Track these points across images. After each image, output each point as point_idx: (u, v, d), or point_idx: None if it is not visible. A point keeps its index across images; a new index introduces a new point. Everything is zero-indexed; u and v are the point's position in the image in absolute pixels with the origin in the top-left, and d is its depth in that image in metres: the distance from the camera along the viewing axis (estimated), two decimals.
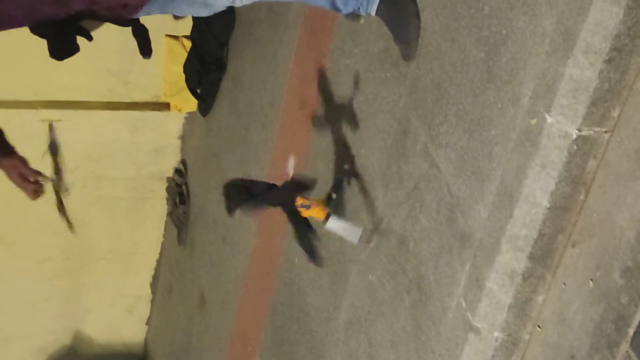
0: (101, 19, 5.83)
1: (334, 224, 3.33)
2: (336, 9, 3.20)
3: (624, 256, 2.34)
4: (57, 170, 3.43)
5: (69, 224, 3.51)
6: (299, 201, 3.34)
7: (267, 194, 3.48)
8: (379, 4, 3.18)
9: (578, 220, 2.54)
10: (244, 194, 3.52)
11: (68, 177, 3.47)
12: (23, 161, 3.34)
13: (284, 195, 3.45)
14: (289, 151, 4.52)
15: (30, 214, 6.86)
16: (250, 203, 3.50)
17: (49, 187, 3.42)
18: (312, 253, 3.50)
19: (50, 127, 3.51)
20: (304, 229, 3.43)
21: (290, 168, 3.84)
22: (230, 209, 3.65)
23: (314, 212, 3.33)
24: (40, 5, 2.96)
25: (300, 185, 3.47)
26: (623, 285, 2.34)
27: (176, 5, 3.20)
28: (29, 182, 3.34)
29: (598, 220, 2.47)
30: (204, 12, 3.30)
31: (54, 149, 3.43)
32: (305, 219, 3.39)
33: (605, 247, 2.42)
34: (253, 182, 3.72)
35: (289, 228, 3.58)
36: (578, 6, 2.29)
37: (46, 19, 3.08)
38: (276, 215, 4.60)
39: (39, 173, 3.38)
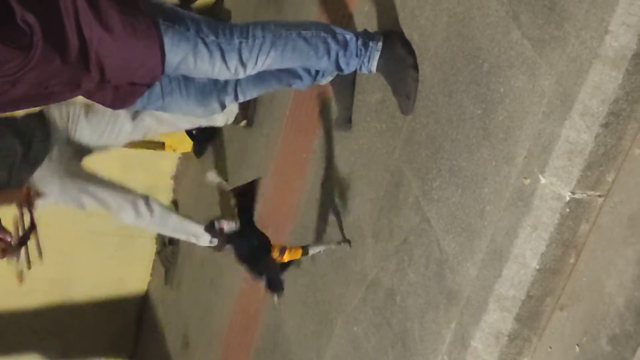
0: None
1: (315, 249, 3.70)
2: (339, 69, 3.16)
3: (612, 323, 2.31)
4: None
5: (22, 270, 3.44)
6: (275, 252, 3.58)
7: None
8: (379, 58, 3.17)
9: (567, 284, 2.51)
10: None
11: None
12: None
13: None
14: (281, 192, 4.51)
15: None
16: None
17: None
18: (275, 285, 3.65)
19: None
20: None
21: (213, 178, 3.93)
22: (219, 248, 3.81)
23: (291, 255, 3.62)
24: (53, 87, 2.80)
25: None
26: (610, 352, 2.31)
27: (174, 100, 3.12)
28: None
29: (587, 285, 2.44)
30: (199, 112, 3.24)
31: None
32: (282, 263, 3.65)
33: (593, 312, 2.39)
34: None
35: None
36: (577, 68, 2.28)
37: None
38: None
39: (6, 232, 3.34)
